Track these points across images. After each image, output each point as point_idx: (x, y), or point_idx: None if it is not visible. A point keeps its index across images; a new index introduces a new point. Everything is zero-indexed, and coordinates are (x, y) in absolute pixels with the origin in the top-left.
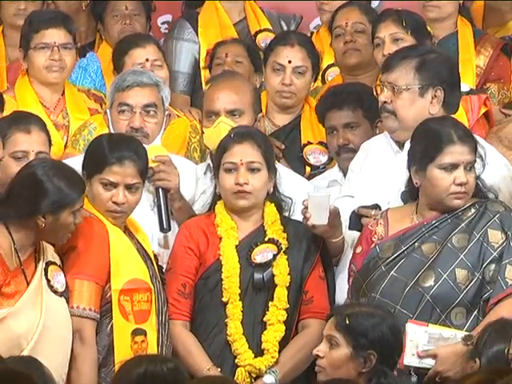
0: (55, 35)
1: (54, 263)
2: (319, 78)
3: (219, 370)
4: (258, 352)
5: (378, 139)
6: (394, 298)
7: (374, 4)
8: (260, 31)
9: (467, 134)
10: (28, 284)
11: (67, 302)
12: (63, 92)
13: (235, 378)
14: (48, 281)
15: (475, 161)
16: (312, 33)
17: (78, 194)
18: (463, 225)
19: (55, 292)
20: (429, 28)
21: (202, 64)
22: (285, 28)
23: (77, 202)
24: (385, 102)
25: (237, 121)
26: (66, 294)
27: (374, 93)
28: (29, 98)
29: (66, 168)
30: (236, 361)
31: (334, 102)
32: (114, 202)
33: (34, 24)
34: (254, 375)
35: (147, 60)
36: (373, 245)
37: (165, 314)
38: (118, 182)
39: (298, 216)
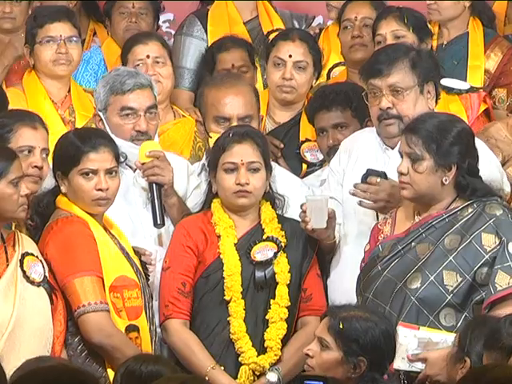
0: (60, 29)
1: (31, 254)
2: (324, 74)
3: (222, 368)
4: (261, 350)
5: (361, 135)
6: (384, 299)
7: None
8: (273, 31)
9: (426, 135)
10: None
11: (51, 292)
12: (69, 88)
13: (239, 376)
14: (23, 272)
15: (419, 156)
16: (321, 29)
17: (7, 163)
18: (458, 225)
19: (32, 282)
20: (430, 26)
21: None
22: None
23: (9, 170)
24: (388, 108)
25: None
26: (47, 284)
27: (365, 100)
28: (38, 93)
29: None
30: (240, 359)
31: (323, 103)
32: (99, 189)
33: (38, 19)
34: (257, 373)
35: (148, 57)
36: (377, 243)
37: (151, 309)
38: (98, 168)
39: (291, 214)
